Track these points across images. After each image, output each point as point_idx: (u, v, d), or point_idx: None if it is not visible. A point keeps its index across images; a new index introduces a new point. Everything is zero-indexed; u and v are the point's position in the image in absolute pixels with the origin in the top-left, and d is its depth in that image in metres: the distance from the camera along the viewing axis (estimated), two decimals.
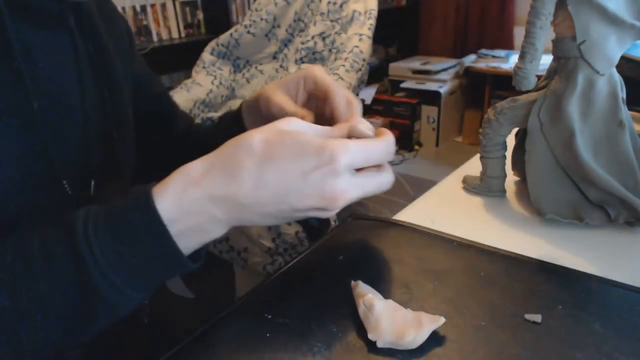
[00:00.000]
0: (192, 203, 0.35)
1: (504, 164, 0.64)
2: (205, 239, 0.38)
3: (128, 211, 0.35)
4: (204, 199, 0.35)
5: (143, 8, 2.40)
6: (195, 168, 0.37)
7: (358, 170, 0.38)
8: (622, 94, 0.55)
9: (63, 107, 0.48)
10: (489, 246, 0.52)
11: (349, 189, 0.36)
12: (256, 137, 0.36)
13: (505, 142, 0.62)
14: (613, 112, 0.54)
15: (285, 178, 0.35)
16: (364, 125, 0.40)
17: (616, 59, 0.53)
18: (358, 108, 0.48)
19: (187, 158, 0.39)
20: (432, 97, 3.05)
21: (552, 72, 0.57)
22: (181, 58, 2.10)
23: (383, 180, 0.39)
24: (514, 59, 2.91)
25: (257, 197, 0.36)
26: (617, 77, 0.55)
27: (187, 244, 0.36)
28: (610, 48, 0.52)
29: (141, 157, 0.70)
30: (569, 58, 0.54)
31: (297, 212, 0.37)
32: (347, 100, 0.48)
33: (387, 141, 0.39)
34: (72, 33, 0.49)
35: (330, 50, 1.82)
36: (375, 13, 1.77)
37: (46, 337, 0.35)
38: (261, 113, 0.54)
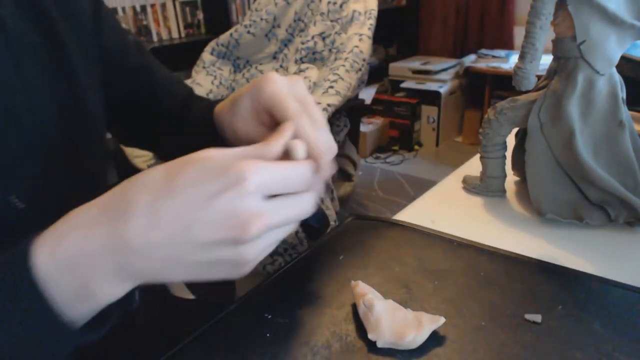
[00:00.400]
0: (68, 256, 0.30)
1: (504, 164, 0.64)
2: (98, 302, 0.31)
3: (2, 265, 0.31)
4: (82, 250, 0.30)
5: (143, 8, 2.39)
6: (79, 212, 0.32)
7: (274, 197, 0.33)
8: (622, 94, 0.55)
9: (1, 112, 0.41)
10: (489, 246, 0.52)
11: (263, 212, 0.31)
12: (155, 170, 0.32)
13: (505, 142, 0.62)
14: (613, 112, 0.54)
15: (185, 210, 0.30)
16: (300, 147, 0.35)
17: (616, 59, 0.53)
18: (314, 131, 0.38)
19: (186, 137, 0.35)
20: (432, 97, 3.04)
21: (552, 72, 0.57)
22: (181, 58, 2.10)
23: (304, 204, 0.34)
24: (514, 59, 2.90)
25: (151, 239, 0.30)
26: (617, 77, 0.55)
27: (74, 308, 0.31)
28: (610, 48, 0.52)
29: (136, 139, 0.65)
30: (569, 58, 0.54)
31: (205, 251, 0.31)
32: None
33: (304, 167, 0.34)
34: (5, 25, 0.42)
35: (330, 50, 1.82)
36: (375, 13, 1.77)
37: None
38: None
